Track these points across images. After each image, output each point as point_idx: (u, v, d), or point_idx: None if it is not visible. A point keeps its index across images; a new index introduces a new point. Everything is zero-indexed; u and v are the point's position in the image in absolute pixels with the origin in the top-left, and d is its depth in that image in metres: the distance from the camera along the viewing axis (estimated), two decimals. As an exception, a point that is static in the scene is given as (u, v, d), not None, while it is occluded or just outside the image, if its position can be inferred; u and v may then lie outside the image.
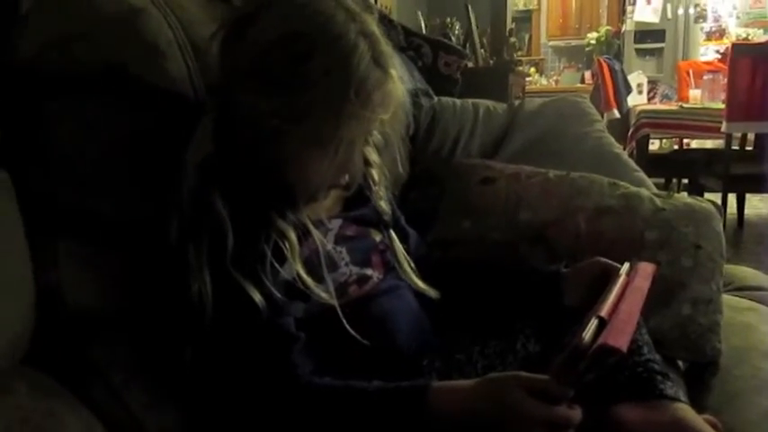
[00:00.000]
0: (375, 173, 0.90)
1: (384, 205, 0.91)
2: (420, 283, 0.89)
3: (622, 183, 1.16)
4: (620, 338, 0.60)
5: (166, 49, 0.82)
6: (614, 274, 0.79)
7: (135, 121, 0.80)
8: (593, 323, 0.63)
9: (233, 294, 0.71)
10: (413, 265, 0.90)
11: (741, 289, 1.26)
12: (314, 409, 0.71)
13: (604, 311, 0.65)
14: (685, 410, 0.77)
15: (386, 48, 0.76)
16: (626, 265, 0.81)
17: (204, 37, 0.83)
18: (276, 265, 0.73)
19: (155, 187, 0.76)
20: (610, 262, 0.85)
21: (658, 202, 1.12)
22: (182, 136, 0.76)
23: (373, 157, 0.89)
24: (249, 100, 0.73)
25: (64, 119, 0.77)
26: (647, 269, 0.80)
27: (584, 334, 0.61)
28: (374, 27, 0.76)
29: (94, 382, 0.72)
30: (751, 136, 3.11)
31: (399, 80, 0.78)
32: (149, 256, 0.75)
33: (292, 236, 0.75)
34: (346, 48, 0.72)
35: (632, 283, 0.74)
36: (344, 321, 0.75)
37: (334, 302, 0.76)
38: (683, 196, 1.19)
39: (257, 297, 0.70)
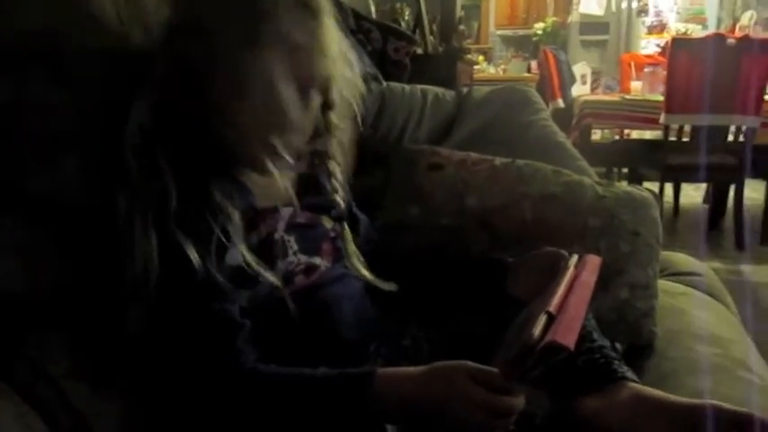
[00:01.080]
0: (334, 167, 0.90)
1: (340, 199, 0.90)
2: (369, 276, 0.88)
3: (566, 171, 1.19)
4: (568, 335, 0.61)
5: (99, 13, 0.79)
6: (563, 265, 0.80)
7: (66, 90, 0.76)
8: (542, 318, 0.64)
9: (177, 274, 0.70)
10: (361, 258, 0.90)
11: (676, 274, 1.31)
12: (259, 396, 0.70)
13: (553, 306, 0.66)
14: (639, 387, 0.80)
15: None
16: (574, 258, 0.81)
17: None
18: (225, 241, 0.72)
19: (89, 160, 0.75)
20: (558, 252, 0.85)
21: (600, 190, 1.15)
22: (120, 101, 0.75)
23: (333, 149, 0.89)
24: (182, 52, 0.74)
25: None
26: (594, 262, 0.80)
27: (533, 330, 0.62)
28: None
29: (27, 370, 0.69)
30: (687, 128, 3.21)
31: (327, 17, 0.78)
32: (87, 233, 0.73)
33: (236, 217, 0.74)
34: None
35: (580, 276, 0.75)
36: (291, 310, 0.75)
37: (280, 285, 0.75)
38: (623, 185, 1.23)
39: (193, 256, 0.70)
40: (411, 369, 0.70)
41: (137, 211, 0.71)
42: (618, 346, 1.05)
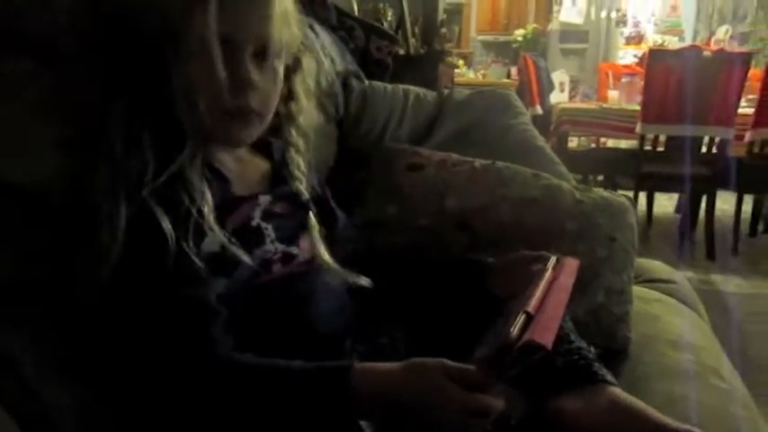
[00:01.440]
0: (293, 152, 0.89)
1: (301, 187, 0.89)
2: (337, 267, 0.86)
3: (545, 174, 1.19)
4: (545, 335, 0.60)
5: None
6: (541, 267, 0.79)
7: (47, 67, 0.75)
8: (521, 318, 0.63)
9: (152, 253, 0.69)
10: (330, 253, 0.88)
11: (651, 281, 1.33)
12: (233, 385, 0.69)
13: (531, 306, 0.66)
14: (618, 392, 0.80)
15: None
16: (552, 259, 0.81)
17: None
18: (201, 223, 0.71)
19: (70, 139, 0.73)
20: (537, 254, 0.85)
21: (578, 194, 1.16)
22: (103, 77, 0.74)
23: (294, 138, 0.89)
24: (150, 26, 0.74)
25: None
26: (572, 264, 0.80)
27: (511, 329, 0.61)
28: None
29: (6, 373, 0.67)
30: (662, 137, 3.26)
31: None
32: (68, 217, 0.72)
33: (211, 201, 0.74)
34: None
35: (558, 278, 0.75)
36: (266, 298, 0.74)
37: (251, 263, 0.75)
38: (601, 190, 1.23)
39: (167, 227, 0.69)
40: (388, 365, 0.70)
41: (118, 186, 0.70)
42: (592, 349, 1.05)
